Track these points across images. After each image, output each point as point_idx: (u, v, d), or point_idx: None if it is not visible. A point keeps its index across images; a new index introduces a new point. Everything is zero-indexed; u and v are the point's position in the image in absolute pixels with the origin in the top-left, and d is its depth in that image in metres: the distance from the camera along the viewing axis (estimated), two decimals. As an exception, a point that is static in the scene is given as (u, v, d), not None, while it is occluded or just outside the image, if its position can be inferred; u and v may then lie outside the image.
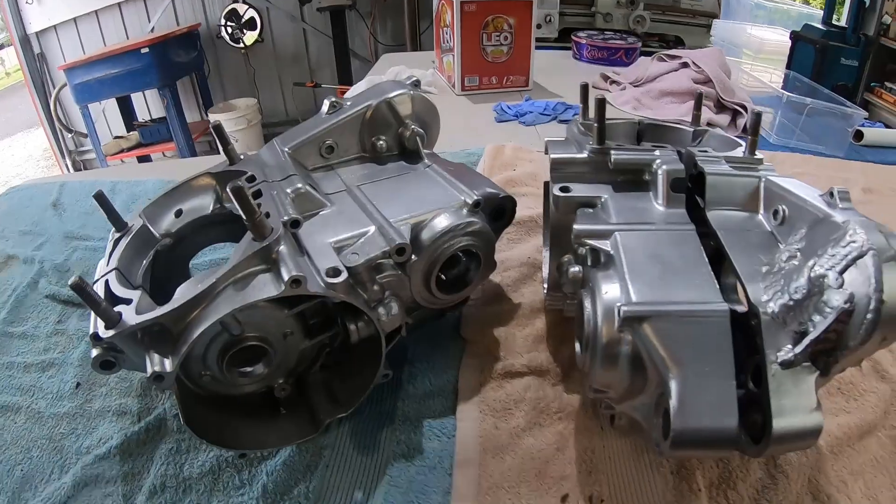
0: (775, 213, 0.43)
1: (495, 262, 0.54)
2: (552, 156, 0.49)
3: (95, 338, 0.38)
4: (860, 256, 0.34)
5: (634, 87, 1.36)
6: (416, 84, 0.61)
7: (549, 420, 0.50)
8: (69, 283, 0.36)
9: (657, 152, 0.47)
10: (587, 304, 0.40)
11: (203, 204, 0.55)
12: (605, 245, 0.42)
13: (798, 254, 0.39)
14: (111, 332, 0.38)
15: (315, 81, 2.40)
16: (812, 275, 0.36)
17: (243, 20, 2.74)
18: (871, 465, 0.48)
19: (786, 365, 0.36)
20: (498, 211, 0.54)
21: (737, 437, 0.34)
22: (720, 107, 1.28)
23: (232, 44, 2.81)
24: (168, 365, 0.36)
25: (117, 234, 0.51)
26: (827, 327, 0.34)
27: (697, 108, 0.59)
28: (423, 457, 0.46)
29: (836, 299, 0.34)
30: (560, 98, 1.39)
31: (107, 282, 0.44)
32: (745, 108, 1.24)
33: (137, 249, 0.50)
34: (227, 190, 0.37)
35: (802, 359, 0.36)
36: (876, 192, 1.02)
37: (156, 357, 0.37)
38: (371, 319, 0.43)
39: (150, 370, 0.37)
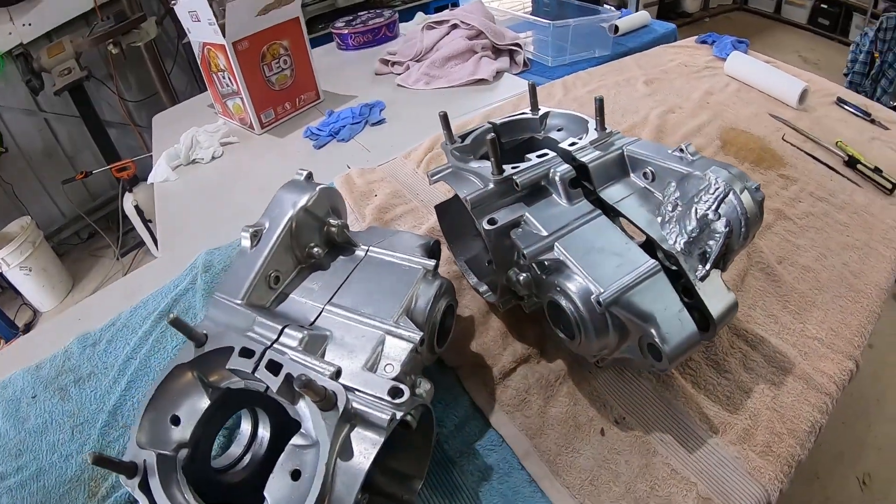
0: (644, 174, 0.62)
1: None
2: (469, 198, 0.61)
3: None
4: (725, 195, 0.53)
5: (417, 62, 1.51)
6: (310, 176, 0.65)
7: (554, 389, 0.66)
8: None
9: (545, 160, 0.63)
10: (563, 302, 0.55)
11: (196, 401, 0.53)
12: (551, 256, 0.57)
13: (678, 203, 0.58)
14: None
15: (84, 171, 2.15)
16: (698, 216, 0.55)
17: (-22, 137, 2.31)
18: (758, 297, 0.73)
19: (703, 278, 0.55)
20: (431, 254, 0.65)
21: (699, 336, 0.52)
22: (497, 52, 1.49)
23: (-27, 168, 2.36)
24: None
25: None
26: (720, 247, 0.53)
27: (533, 102, 0.75)
28: (495, 470, 0.59)
29: (719, 227, 0.54)
30: (354, 97, 1.49)
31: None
32: (519, 45, 1.46)
33: (169, 481, 0.48)
34: (297, 388, 0.42)
35: (710, 270, 0.55)
36: (655, 80, 1.33)
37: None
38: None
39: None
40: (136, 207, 2.09)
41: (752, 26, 4.27)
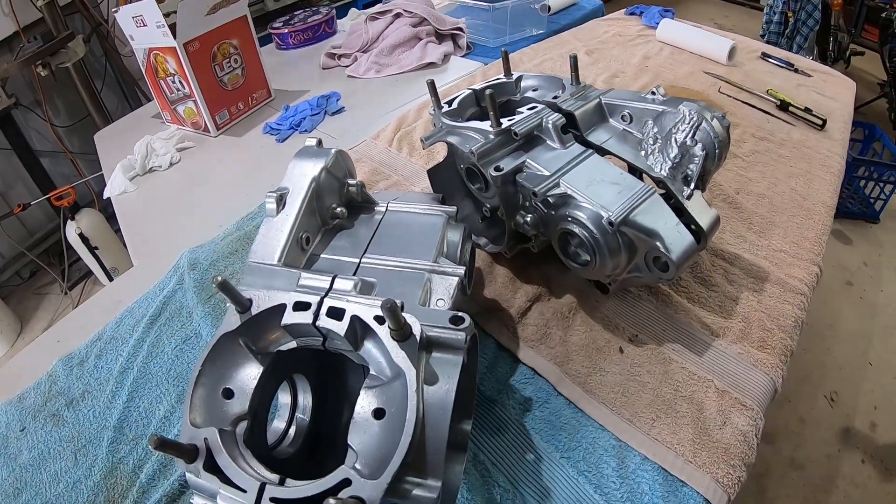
0: (623, 117, 0.71)
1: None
2: (475, 150, 0.67)
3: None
4: (699, 123, 0.62)
5: (364, 52, 1.56)
6: (321, 143, 0.66)
7: (570, 320, 0.74)
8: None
9: (536, 111, 0.70)
10: (577, 229, 0.63)
11: (247, 370, 0.51)
12: (557, 191, 0.64)
13: (658, 136, 0.66)
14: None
15: (21, 204, 2.06)
16: (678, 144, 0.63)
17: None
18: (726, 223, 0.86)
19: (688, 197, 0.64)
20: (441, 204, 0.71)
21: (696, 245, 0.61)
22: (440, 37, 1.56)
23: None
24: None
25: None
26: (699, 168, 0.62)
27: (506, 68, 0.82)
28: (534, 401, 0.66)
29: (697, 151, 0.63)
30: (306, 91, 1.53)
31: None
32: (461, 29, 1.54)
33: (235, 456, 0.46)
34: (384, 311, 0.44)
35: (694, 190, 0.64)
36: (595, 50, 1.44)
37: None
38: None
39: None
40: (81, 235, 2.03)
41: (669, -1, 4.56)
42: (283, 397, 0.62)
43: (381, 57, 1.53)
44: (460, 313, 0.49)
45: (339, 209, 0.64)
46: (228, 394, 0.50)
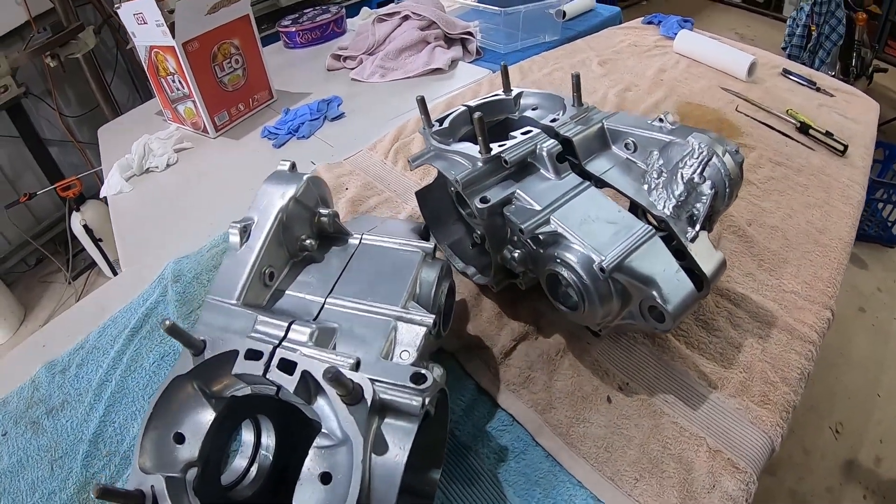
0: (626, 145, 0.65)
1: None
2: (459, 178, 0.62)
3: None
4: (709, 159, 0.56)
5: (370, 55, 1.50)
6: (294, 167, 0.62)
7: (556, 363, 0.68)
8: None
9: (530, 137, 0.64)
10: (565, 272, 0.57)
11: (200, 414, 0.50)
12: (547, 228, 0.58)
13: (663, 170, 0.60)
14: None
15: (28, 193, 2.05)
16: (684, 181, 0.57)
17: None
18: (734, 258, 0.79)
19: (693, 239, 0.58)
20: (423, 238, 0.66)
21: (696, 294, 0.55)
22: (449, 41, 1.51)
23: None
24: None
25: None
26: (707, 208, 0.56)
27: (506, 83, 0.77)
28: (510, 450, 0.61)
29: (706, 189, 0.56)
30: (308, 94, 1.48)
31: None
32: (471, 34, 1.48)
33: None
34: (327, 381, 0.41)
35: (699, 231, 0.58)
36: (608, 61, 1.37)
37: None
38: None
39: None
40: (85, 226, 2.02)
41: (689, 6, 4.43)
42: (247, 435, 0.60)
43: (387, 60, 1.47)
44: (423, 371, 0.45)
45: (308, 241, 0.60)
46: (180, 438, 0.48)
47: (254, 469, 0.58)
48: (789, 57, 2.79)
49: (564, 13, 1.63)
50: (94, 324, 0.88)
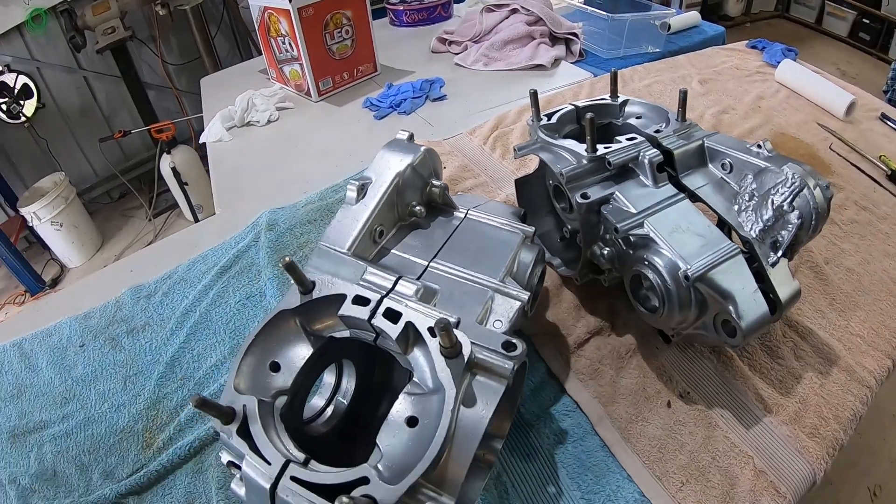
0: (723, 165, 0.68)
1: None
2: (565, 172, 0.66)
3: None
4: (800, 190, 0.59)
5: (475, 43, 1.56)
6: (412, 137, 0.67)
7: (625, 361, 0.72)
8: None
9: (634, 144, 0.68)
10: (651, 274, 0.61)
11: (297, 348, 0.52)
12: (640, 231, 0.63)
13: (755, 194, 0.63)
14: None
15: (122, 130, 2.21)
16: (774, 207, 0.61)
17: (16, 90, 2.36)
18: (807, 293, 0.82)
19: (774, 265, 0.61)
20: (523, 220, 0.70)
21: (770, 316, 0.58)
22: (554, 39, 1.54)
23: (11, 121, 2.42)
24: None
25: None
26: (791, 236, 0.59)
27: (614, 89, 0.80)
28: (570, 434, 0.66)
29: (793, 218, 0.60)
30: (411, 72, 1.54)
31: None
32: (576, 34, 1.51)
33: (268, 428, 0.47)
34: (438, 331, 0.44)
35: (780, 258, 0.61)
36: (708, 80, 1.39)
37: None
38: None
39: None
40: (174, 169, 2.14)
41: (792, 35, 4.29)
42: (328, 377, 0.64)
43: (492, 50, 1.52)
44: (514, 340, 0.48)
45: (418, 208, 0.64)
46: (275, 367, 0.51)
47: (329, 409, 0.63)
48: (889, 101, 2.69)
49: (670, 26, 1.64)
50: (184, 258, 0.95)
